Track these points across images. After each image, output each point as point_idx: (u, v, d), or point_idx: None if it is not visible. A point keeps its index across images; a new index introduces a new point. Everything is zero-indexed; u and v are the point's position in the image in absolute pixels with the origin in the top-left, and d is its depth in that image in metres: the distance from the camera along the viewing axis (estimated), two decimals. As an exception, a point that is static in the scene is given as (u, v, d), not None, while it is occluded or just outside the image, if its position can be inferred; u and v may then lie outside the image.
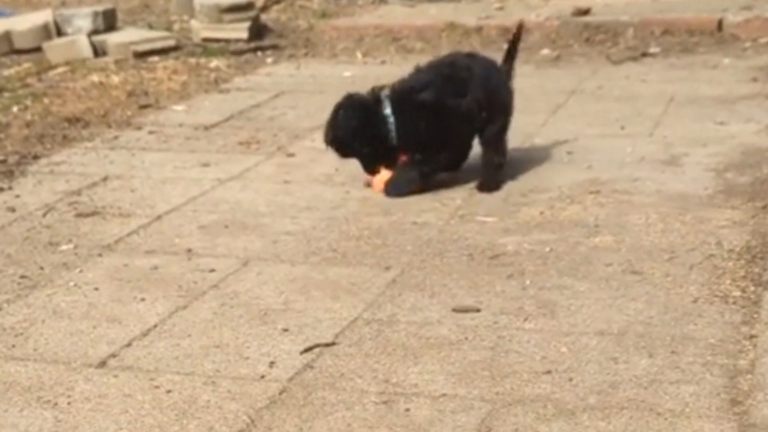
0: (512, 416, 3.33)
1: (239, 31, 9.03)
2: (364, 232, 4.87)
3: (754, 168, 5.43)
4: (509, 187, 5.33)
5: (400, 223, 4.95)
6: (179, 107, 7.18)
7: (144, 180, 5.72)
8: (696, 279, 4.22)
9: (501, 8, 9.60)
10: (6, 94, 7.55)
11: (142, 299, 4.27)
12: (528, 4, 9.63)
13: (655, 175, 5.41)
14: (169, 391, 3.56)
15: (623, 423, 3.27)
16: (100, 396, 3.55)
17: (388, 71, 7.25)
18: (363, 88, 5.52)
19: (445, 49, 7.83)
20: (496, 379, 3.55)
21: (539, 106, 6.70)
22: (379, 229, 4.90)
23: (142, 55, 8.56)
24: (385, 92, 5.31)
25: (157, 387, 3.59)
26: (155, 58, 8.51)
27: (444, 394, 3.47)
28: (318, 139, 5.66)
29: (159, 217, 5.15)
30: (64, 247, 4.84)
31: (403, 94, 5.30)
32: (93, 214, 5.23)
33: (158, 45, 8.73)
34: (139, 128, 6.71)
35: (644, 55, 8.11)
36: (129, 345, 3.89)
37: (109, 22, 8.94)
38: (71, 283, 4.45)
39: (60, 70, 8.27)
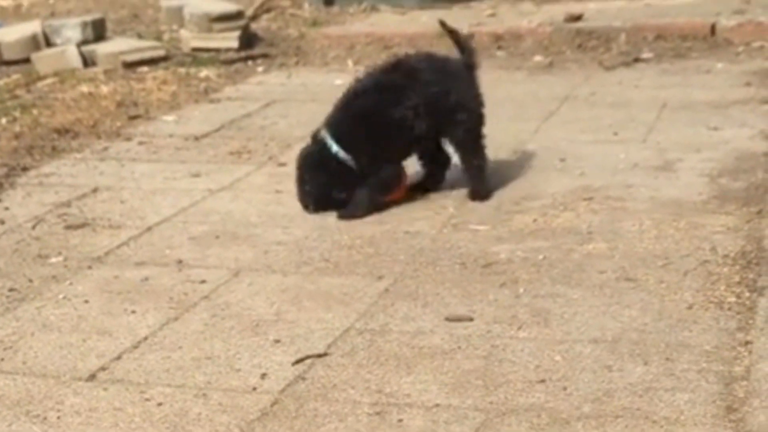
0: (506, 426, 3.30)
1: (229, 40, 9.00)
2: (356, 241, 4.84)
3: (748, 173, 5.41)
4: (501, 195, 5.31)
5: (392, 232, 4.92)
6: (169, 117, 7.15)
7: (134, 191, 5.69)
8: (690, 285, 4.20)
9: (493, 15, 9.58)
10: (-5, 106, 7.53)
11: (133, 311, 4.24)
12: (520, 11, 9.61)
13: (649, 181, 5.39)
14: (160, 404, 3.53)
15: (618, 431, 3.25)
16: (90, 409, 3.52)
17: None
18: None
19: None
20: (489, 388, 3.53)
21: (532, 113, 6.67)
22: (372, 238, 4.87)
23: (131, 65, 8.52)
24: (323, 131, 5.18)
25: (147, 400, 3.57)
26: (145, 68, 8.47)
27: (437, 404, 3.45)
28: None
29: (149, 229, 5.12)
30: (53, 260, 4.80)
31: (335, 121, 5.18)
32: (83, 225, 5.20)
33: (148, 55, 8.69)
34: (128, 139, 6.68)
35: (637, 60, 8.09)
36: (119, 358, 3.87)
37: (98, 32, 8.90)
38: (61, 296, 4.42)
39: (49, 80, 8.24)
